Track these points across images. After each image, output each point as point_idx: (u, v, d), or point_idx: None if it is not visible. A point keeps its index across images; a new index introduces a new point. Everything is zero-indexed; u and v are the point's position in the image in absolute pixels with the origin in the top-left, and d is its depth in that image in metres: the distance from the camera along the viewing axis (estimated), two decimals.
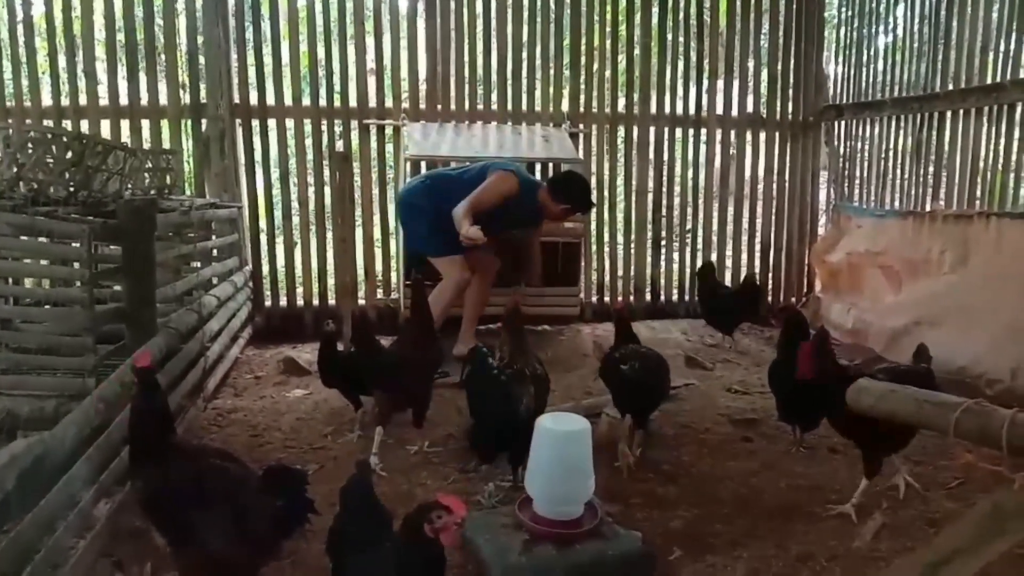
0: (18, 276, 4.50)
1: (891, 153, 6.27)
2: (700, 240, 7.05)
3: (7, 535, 2.20)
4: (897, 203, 6.15)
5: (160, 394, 2.58)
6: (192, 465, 2.39)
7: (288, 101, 6.23)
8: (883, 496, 3.24)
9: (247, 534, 2.27)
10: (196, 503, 2.30)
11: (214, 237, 5.44)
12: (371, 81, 6.37)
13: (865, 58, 6.65)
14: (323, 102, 6.29)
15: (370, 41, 6.27)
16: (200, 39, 6.02)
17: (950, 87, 5.57)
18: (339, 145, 6.30)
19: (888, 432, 2.97)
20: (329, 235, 6.33)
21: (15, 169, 3.64)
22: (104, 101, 5.97)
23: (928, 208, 5.70)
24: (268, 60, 6.16)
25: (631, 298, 6.86)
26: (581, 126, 6.61)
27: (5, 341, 3.95)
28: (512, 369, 3.30)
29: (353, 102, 6.27)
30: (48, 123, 5.74)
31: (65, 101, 5.90)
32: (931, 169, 5.80)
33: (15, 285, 4.47)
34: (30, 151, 3.68)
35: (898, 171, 6.20)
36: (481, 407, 3.24)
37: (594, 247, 6.81)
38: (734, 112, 6.94)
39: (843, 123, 6.91)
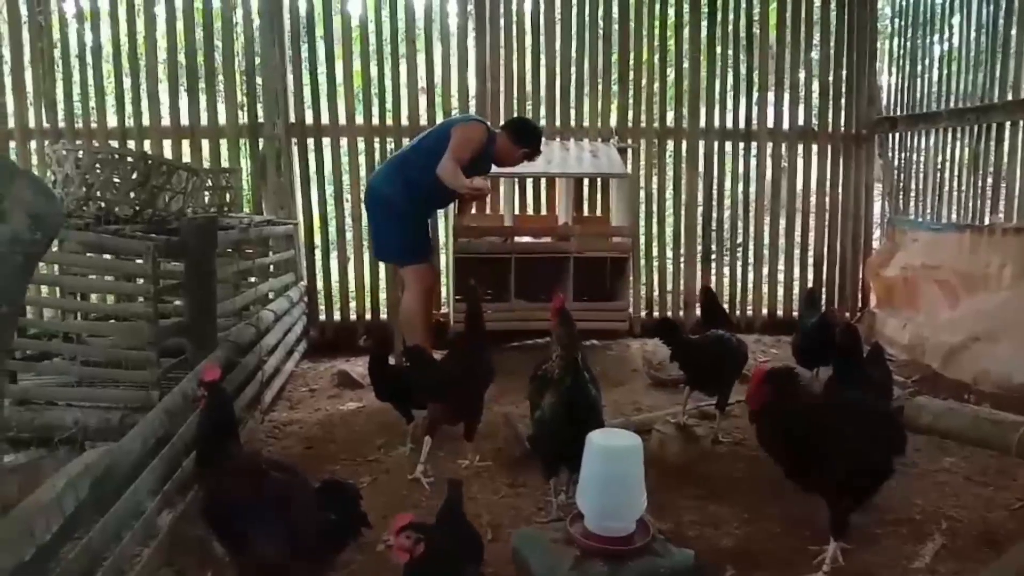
0: (85, 291, 4.66)
1: (947, 165, 6.14)
2: (751, 254, 6.98)
3: (78, 542, 2.29)
4: (954, 216, 6.02)
5: (228, 406, 2.66)
6: (252, 477, 2.46)
7: (342, 120, 6.37)
8: (943, 516, 3.17)
9: (301, 546, 2.33)
10: (254, 514, 2.36)
11: (271, 253, 5.58)
12: (422, 99, 6.48)
13: (919, 68, 6.54)
14: (375, 120, 6.41)
15: (420, 59, 6.38)
16: (257, 60, 6.21)
17: (1009, 97, 5.44)
18: None
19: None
20: None
21: (84, 189, 3.80)
22: (166, 121, 6.19)
23: (986, 221, 5.57)
24: (322, 80, 6.31)
25: (681, 313, 6.81)
26: (629, 140, 6.62)
27: (73, 354, 4.12)
28: (587, 375, 3.24)
29: (405, 120, 6.38)
30: (113, 143, 5.97)
31: (129, 122, 6.14)
32: (989, 181, 5.67)
33: (83, 300, 4.63)
34: (98, 171, 3.84)
35: (955, 183, 6.06)
36: (576, 420, 3.04)
37: (643, 262, 6.79)
38: (785, 125, 6.87)
39: (897, 135, 6.79)
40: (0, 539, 1.93)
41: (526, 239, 5.83)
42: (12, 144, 6.03)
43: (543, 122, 6.48)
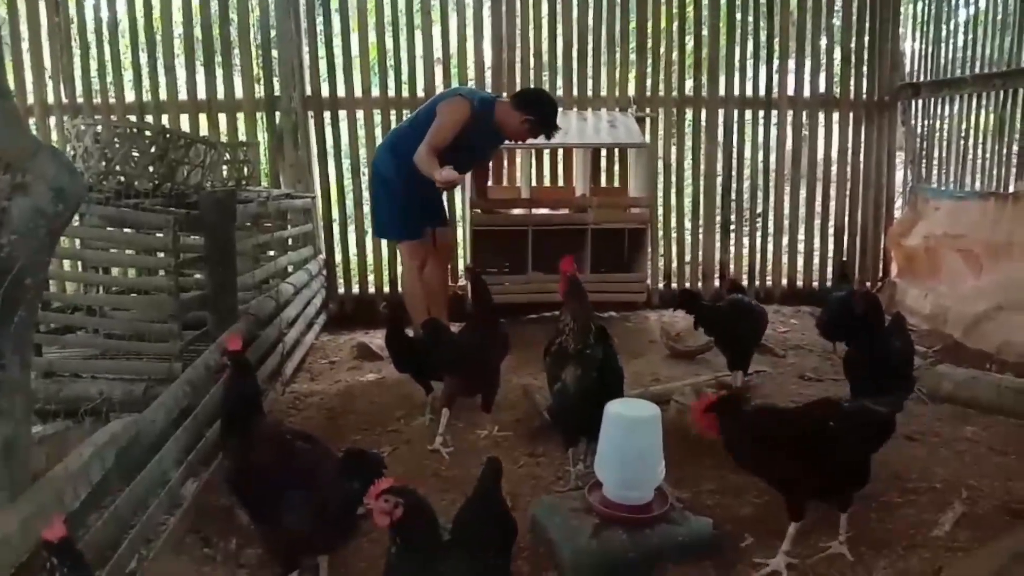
0: (107, 265, 4.71)
1: (971, 132, 6.04)
2: (771, 224, 6.92)
3: (106, 510, 2.34)
4: (978, 184, 5.93)
5: (251, 376, 2.69)
6: (276, 446, 2.49)
7: (358, 92, 6.35)
8: (963, 485, 3.16)
9: (325, 514, 2.36)
10: (278, 483, 2.40)
11: (289, 227, 5.60)
12: (438, 70, 6.44)
13: (944, 33, 6.41)
14: (391, 92, 6.38)
15: (436, 30, 6.33)
16: (273, 33, 6.18)
17: None
18: None
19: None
20: None
21: (104, 163, 3.82)
22: (183, 95, 6.20)
23: (1011, 189, 5.48)
24: (338, 52, 6.28)
25: (699, 284, 6.78)
26: (647, 110, 6.55)
27: (96, 327, 4.17)
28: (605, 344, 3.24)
29: (421, 91, 6.34)
30: (132, 118, 5.99)
31: (147, 96, 6.15)
32: (1014, 148, 5.57)
33: (104, 274, 4.68)
34: (117, 145, 3.86)
35: (979, 151, 5.97)
36: (604, 391, 3.03)
37: (661, 233, 6.75)
38: (806, 92, 6.77)
39: (920, 102, 6.68)
40: (31, 507, 1.98)
41: (543, 211, 5.81)
42: (32, 120, 6.06)
43: (560, 92, 6.43)
